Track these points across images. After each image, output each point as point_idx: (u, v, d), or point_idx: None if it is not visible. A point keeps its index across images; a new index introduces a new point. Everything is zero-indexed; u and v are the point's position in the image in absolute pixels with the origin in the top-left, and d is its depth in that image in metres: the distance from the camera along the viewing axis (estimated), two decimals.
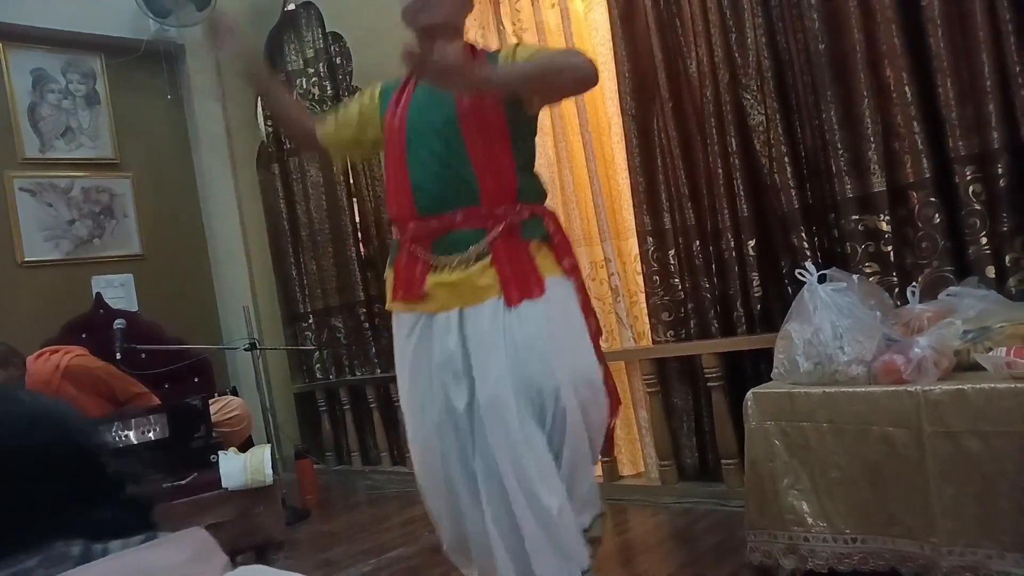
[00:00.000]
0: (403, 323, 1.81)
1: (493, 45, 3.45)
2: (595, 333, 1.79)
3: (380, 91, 1.90)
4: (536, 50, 1.75)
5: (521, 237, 1.73)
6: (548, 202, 3.26)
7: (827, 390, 1.81)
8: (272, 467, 3.09)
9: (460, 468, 1.70)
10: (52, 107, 4.31)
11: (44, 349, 3.19)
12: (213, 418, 3.34)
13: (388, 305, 1.85)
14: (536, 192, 1.82)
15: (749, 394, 1.97)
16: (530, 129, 1.81)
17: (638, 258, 3.00)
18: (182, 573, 0.48)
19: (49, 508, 0.48)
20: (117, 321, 3.54)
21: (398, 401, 4.10)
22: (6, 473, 0.47)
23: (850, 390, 1.77)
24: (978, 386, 1.60)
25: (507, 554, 1.64)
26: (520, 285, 1.68)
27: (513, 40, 3.36)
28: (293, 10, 4.39)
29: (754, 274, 2.64)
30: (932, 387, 1.65)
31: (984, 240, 2.17)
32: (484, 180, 1.70)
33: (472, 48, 1.79)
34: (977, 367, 1.71)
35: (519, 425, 1.61)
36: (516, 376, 1.63)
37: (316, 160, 4.45)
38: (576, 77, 1.69)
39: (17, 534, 0.45)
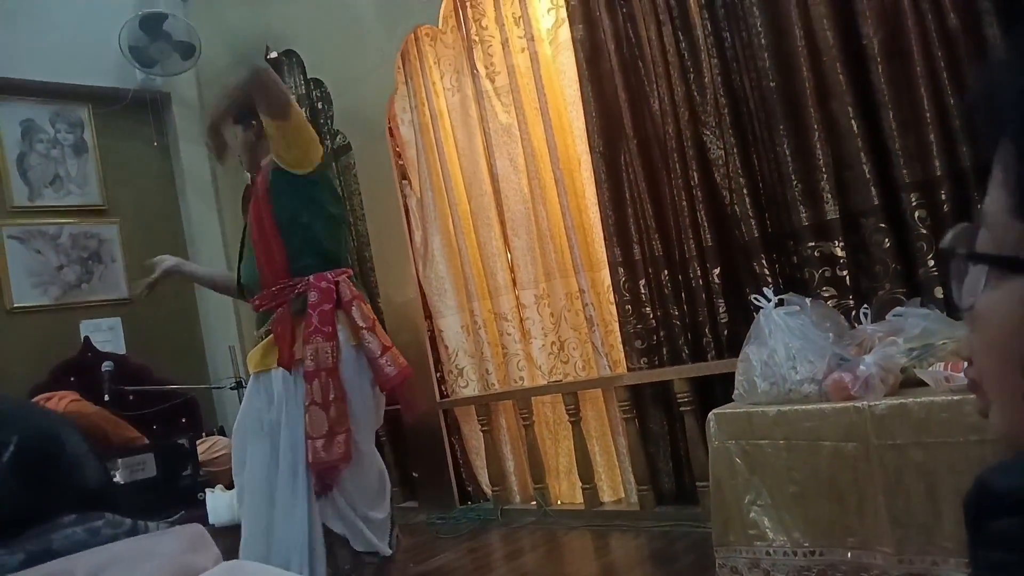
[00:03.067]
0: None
1: (468, 88, 3.59)
2: (328, 406, 2.09)
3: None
4: None
5: (291, 314, 2.13)
6: (523, 235, 3.36)
7: (781, 408, 1.90)
8: None
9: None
10: (41, 156, 4.41)
11: (37, 397, 3.24)
12: (200, 457, 3.40)
13: None
14: (312, 266, 2.15)
15: (711, 415, 2.06)
16: (302, 212, 2.15)
17: (611, 288, 3.10)
18: (179, 560, 0.58)
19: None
20: (105, 363, 3.62)
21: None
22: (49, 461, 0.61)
23: (803, 407, 1.87)
24: (919, 399, 1.69)
25: None
26: (282, 359, 2.12)
27: (488, 83, 3.50)
28: (276, 57, 4.52)
29: (720, 301, 2.75)
30: (878, 402, 1.75)
31: (931, 262, 2.29)
32: (263, 269, 2.16)
33: None
34: (922, 383, 1.81)
35: None
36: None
37: None
38: None
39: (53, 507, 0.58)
